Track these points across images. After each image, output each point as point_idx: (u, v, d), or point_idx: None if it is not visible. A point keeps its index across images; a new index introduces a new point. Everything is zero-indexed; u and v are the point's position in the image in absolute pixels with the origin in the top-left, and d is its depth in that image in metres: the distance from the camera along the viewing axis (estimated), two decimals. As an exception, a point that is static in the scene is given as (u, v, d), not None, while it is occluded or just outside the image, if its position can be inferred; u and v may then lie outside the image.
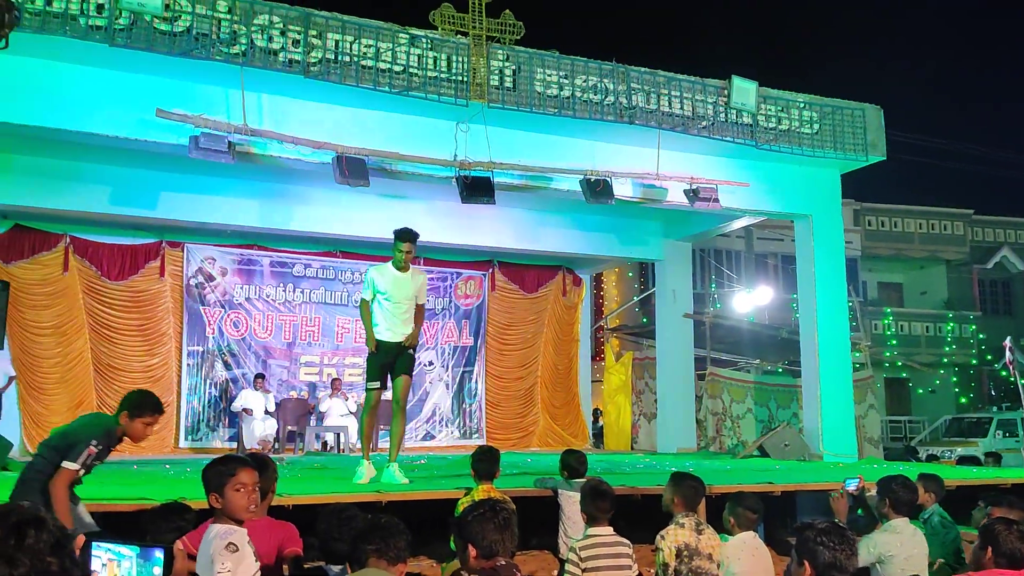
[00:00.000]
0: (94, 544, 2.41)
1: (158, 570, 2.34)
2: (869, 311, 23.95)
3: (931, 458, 17.00)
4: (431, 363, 15.27)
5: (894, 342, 24.63)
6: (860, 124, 11.56)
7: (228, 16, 8.48)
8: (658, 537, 4.88)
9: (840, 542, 2.95)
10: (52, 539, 1.45)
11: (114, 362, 13.07)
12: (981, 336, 25.96)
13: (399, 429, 7.63)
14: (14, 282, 12.11)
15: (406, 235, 7.53)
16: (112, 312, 13.16)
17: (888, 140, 11.92)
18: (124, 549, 2.36)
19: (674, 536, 4.79)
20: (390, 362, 7.49)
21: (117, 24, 7.99)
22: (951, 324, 25.90)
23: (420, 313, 7.67)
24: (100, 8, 7.97)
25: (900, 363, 23.80)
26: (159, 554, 2.37)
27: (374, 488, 6.62)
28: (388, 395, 7.80)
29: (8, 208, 11.83)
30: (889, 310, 25.59)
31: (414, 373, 14.61)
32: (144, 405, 4.76)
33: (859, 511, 5.83)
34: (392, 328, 7.43)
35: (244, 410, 13.08)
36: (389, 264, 7.60)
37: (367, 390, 7.57)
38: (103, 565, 2.50)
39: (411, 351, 7.58)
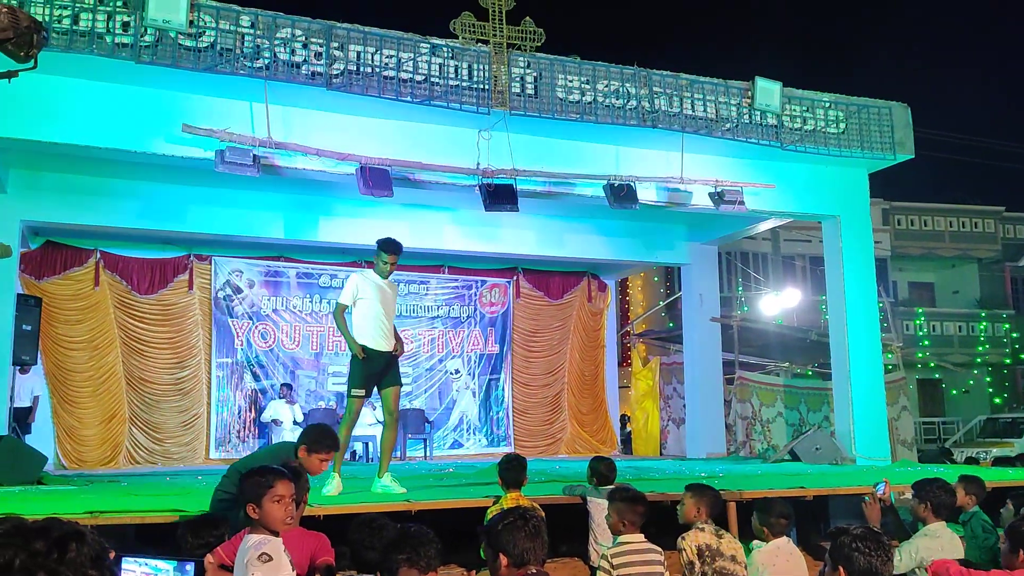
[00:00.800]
0: (125, 559, 2.43)
1: None
2: (900, 311, 23.67)
3: (970, 461, 16.73)
4: (457, 371, 15.30)
5: (926, 342, 24.32)
6: (887, 122, 11.43)
7: (251, 30, 8.56)
8: (679, 539, 4.95)
9: (876, 548, 2.91)
10: (93, 552, 1.47)
11: (145, 375, 13.21)
12: (1015, 335, 25.58)
13: (391, 440, 7.36)
14: (46, 298, 12.28)
15: (392, 247, 7.33)
16: (143, 326, 13.31)
17: (916, 138, 11.79)
18: (160, 563, 2.39)
19: (694, 537, 4.86)
20: (378, 372, 7.29)
21: (143, 41, 8.09)
22: (984, 323, 25.53)
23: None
24: (126, 26, 8.07)
25: (933, 364, 23.49)
26: (190, 567, 2.40)
27: (404, 497, 6.63)
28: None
29: (39, 225, 12.01)
30: (921, 310, 25.28)
31: (440, 381, 14.87)
32: (322, 441, 4.86)
33: (887, 516, 5.75)
34: (381, 336, 7.25)
35: (273, 421, 13.15)
36: (372, 271, 7.45)
37: (351, 397, 7.28)
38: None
39: (397, 370, 7.45)
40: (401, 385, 7.49)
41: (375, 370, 7.26)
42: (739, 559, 4.83)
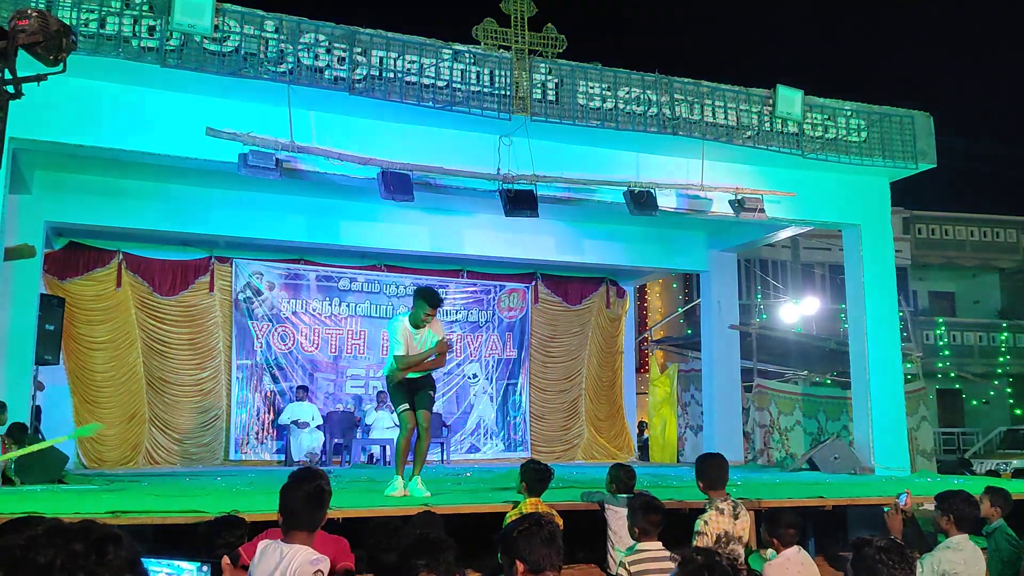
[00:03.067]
0: (151, 561, 2.46)
1: None
2: (920, 321, 23.46)
3: (990, 472, 16.58)
4: (475, 376, 15.32)
5: (946, 352, 24.10)
6: (909, 131, 11.36)
7: (275, 35, 8.63)
8: (700, 521, 5.06)
9: (900, 561, 2.89)
10: (128, 555, 1.49)
11: (166, 376, 13.31)
12: (1036, 346, 25.30)
13: (422, 446, 7.56)
14: (69, 298, 12.42)
15: (435, 300, 7.29)
16: (164, 327, 13.41)
17: (938, 147, 11.70)
18: (184, 564, 2.43)
19: (716, 523, 5.00)
20: (414, 388, 7.47)
21: (168, 45, 8.18)
22: (1005, 333, 25.27)
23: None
24: (152, 30, 8.16)
25: (953, 374, 23.28)
26: (206, 568, 2.43)
27: (422, 502, 6.64)
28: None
29: (63, 226, 12.14)
30: (941, 320, 25.05)
31: (458, 385, 14.89)
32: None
33: (907, 527, 5.71)
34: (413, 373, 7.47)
35: (294, 423, 13.19)
36: (406, 321, 7.31)
37: (400, 414, 7.47)
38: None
39: (430, 391, 7.54)
40: (431, 411, 7.62)
41: (410, 388, 7.44)
42: (744, 539, 5.03)
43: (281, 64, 8.63)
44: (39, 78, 5.46)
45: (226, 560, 3.61)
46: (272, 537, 3.61)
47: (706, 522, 4.99)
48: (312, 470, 3.85)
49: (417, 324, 7.25)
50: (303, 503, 3.52)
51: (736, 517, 5.00)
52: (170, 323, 13.46)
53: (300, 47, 8.70)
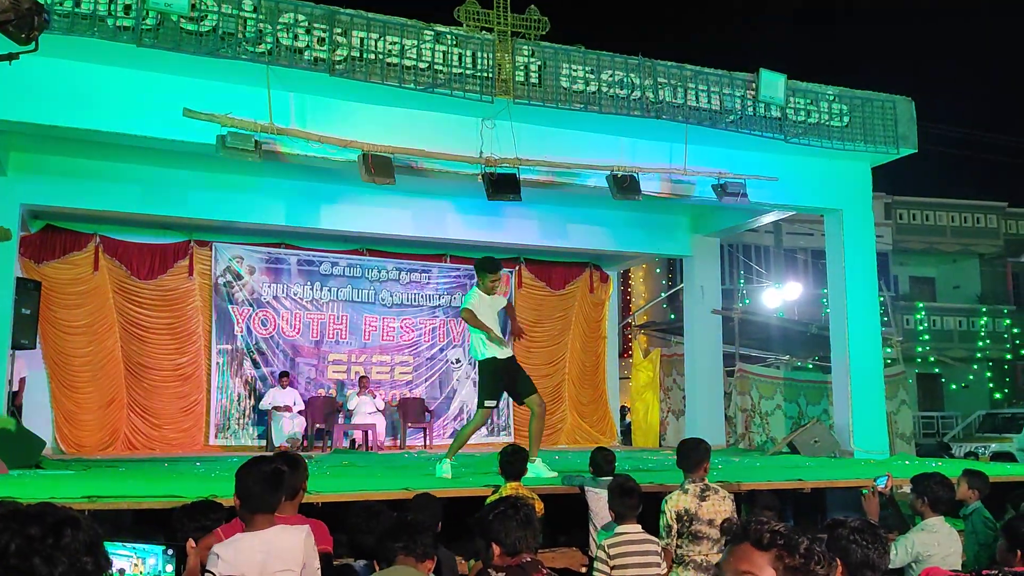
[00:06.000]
0: (115, 545, 2.43)
1: (170, 568, 2.42)
2: (901, 306, 23.66)
3: (968, 455, 16.76)
4: (458, 360, 15.30)
5: (926, 337, 24.31)
6: (891, 116, 11.39)
7: (254, 15, 8.51)
8: (663, 501, 5.13)
9: (873, 541, 2.90)
10: (87, 538, 1.46)
11: (144, 360, 13.20)
12: (1016, 330, 25.56)
13: (539, 429, 8.02)
14: (46, 282, 12.27)
15: (491, 266, 8.02)
16: (142, 311, 13.29)
17: (920, 132, 11.74)
18: (148, 547, 2.41)
19: (676, 501, 5.06)
20: (508, 381, 7.93)
21: (144, 24, 8.04)
22: (984, 318, 25.51)
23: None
24: (127, 9, 8.03)
25: (932, 358, 23.49)
26: (171, 552, 2.43)
27: (403, 486, 6.64)
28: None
29: (39, 208, 11.98)
30: (921, 305, 25.25)
31: (441, 371, 14.87)
32: None
33: (888, 509, 5.75)
34: (499, 345, 7.86)
35: (275, 408, 13.12)
36: (477, 289, 8.01)
37: (484, 407, 7.95)
38: (133, 564, 2.54)
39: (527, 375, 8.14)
40: (537, 392, 8.11)
41: (505, 380, 7.91)
42: (717, 523, 4.96)
43: (260, 44, 8.51)
44: (10, 57, 5.37)
45: (191, 543, 3.58)
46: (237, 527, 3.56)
47: (666, 500, 5.07)
48: (269, 456, 3.81)
49: (488, 293, 7.97)
50: (261, 485, 3.42)
51: (703, 499, 5.00)
52: (149, 307, 13.33)
53: (279, 27, 8.59)
